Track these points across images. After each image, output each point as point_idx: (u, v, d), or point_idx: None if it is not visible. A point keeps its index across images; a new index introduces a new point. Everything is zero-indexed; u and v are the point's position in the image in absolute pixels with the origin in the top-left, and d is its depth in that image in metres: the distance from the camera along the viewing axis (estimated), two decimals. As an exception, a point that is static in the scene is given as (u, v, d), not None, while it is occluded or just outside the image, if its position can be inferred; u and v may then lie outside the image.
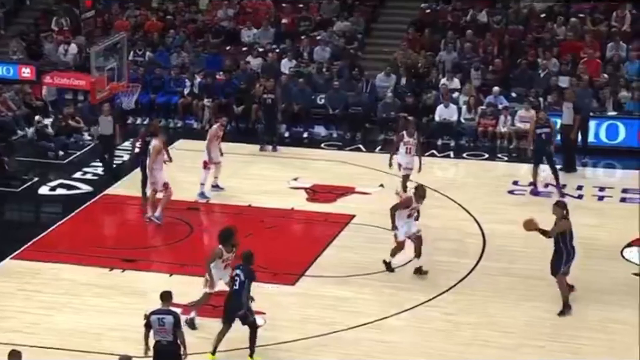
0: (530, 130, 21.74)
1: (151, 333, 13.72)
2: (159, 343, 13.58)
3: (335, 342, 15.64)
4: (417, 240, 17.36)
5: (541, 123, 21.44)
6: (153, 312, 13.71)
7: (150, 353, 13.72)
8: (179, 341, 13.56)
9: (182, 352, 13.56)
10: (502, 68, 26.70)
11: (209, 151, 20.98)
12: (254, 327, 14.95)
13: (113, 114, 22.65)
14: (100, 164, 22.72)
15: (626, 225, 19.80)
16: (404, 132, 20.44)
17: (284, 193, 21.52)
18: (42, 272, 17.82)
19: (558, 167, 21.75)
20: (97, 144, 22.87)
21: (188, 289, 16.69)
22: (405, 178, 20.21)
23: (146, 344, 13.73)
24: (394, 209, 17.23)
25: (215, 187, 21.29)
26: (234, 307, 14.86)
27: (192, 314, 15.97)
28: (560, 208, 16.24)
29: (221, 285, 15.68)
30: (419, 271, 17.49)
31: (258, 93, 25.27)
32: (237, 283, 14.86)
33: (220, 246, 15.69)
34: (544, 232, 16.12)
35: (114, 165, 22.67)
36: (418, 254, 17.45)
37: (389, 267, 17.63)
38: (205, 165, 21.02)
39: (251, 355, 14.95)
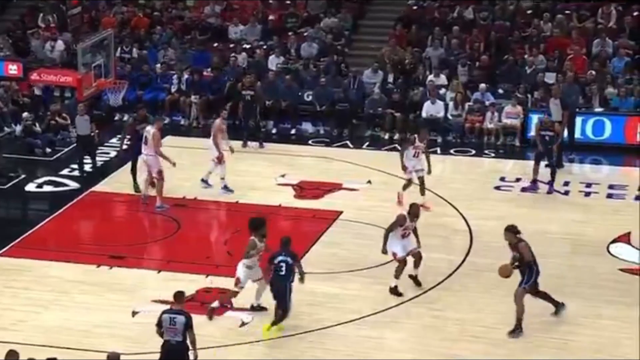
0: (536, 132, 21.85)
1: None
2: (167, 342, 13.56)
3: (323, 339, 15.67)
4: (417, 255, 17.07)
5: (546, 126, 21.58)
6: (165, 311, 13.72)
7: None
8: (188, 342, 13.52)
9: (191, 353, 13.53)
10: (489, 64, 26.75)
11: (217, 146, 20.98)
12: (286, 313, 15.45)
13: (90, 113, 22.60)
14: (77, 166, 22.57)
15: (612, 221, 19.89)
16: (416, 136, 20.27)
17: (272, 189, 21.53)
18: (29, 269, 17.79)
19: (544, 163, 21.81)
20: (76, 145, 22.72)
21: (176, 285, 16.65)
22: (409, 182, 20.10)
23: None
24: (388, 230, 16.85)
25: (205, 182, 21.27)
26: (283, 292, 15.40)
27: (215, 303, 16.16)
28: (512, 232, 15.80)
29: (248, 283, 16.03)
30: (414, 279, 17.29)
31: (238, 89, 25.23)
32: (283, 269, 15.36)
33: (253, 237, 15.85)
34: (519, 266, 15.66)
35: (97, 165, 22.56)
36: (416, 267, 17.19)
37: (396, 291, 17.00)
38: (220, 160, 21.04)
39: (272, 324, 15.44)
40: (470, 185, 22.05)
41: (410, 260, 17.02)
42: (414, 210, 16.95)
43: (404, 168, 20.16)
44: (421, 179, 20.11)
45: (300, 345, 15.48)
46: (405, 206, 18.35)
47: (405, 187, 20.16)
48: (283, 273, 15.40)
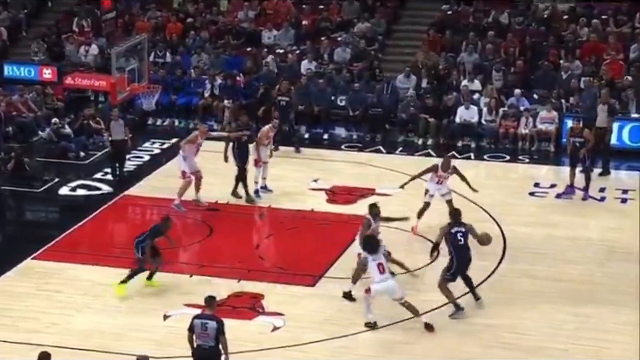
0: (567, 138, 21.85)
1: None
2: (200, 347, 13.53)
3: (355, 344, 15.58)
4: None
5: (575, 132, 21.42)
6: (197, 317, 13.70)
7: None
8: (220, 347, 13.49)
9: (223, 358, 13.50)
10: (524, 69, 26.58)
11: (257, 150, 21.03)
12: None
13: (123, 117, 22.70)
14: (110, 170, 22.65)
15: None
16: (439, 165, 19.46)
17: (304, 194, 21.49)
18: (62, 272, 17.84)
19: (597, 170, 21.55)
20: (110, 149, 22.77)
21: (207, 289, 16.66)
22: (426, 205, 19.63)
23: (192, 347, 13.66)
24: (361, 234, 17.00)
25: (264, 188, 21.26)
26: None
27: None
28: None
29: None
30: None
31: (274, 95, 25.28)
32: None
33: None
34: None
35: (125, 173, 22.61)
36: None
37: (349, 296, 16.88)
38: (257, 164, 21.06)
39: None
40: (504, 191, 21.89)
41: (427, 248, 17.26)
42: (375, 211, 17.20)
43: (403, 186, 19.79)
44: (449, 202, 19.32)
45: (333, 350, 15.40)
46: (417, 236, 18.58)
47: (420, 213, 19.43)
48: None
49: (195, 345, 13.58)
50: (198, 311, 14.77)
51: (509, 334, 15.84)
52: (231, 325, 15.27)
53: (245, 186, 20.94)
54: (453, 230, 16.42)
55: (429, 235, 18.48)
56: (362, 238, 16.66)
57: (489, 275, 17.75)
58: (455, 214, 16.79)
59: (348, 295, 16.89)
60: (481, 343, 15.60)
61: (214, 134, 21.40)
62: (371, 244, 16.03)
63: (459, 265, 16.27)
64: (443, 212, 18.41)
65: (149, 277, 17.15)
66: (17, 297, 16.93)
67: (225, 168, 21.06)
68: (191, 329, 13.57)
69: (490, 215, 20.30)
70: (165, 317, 16.22)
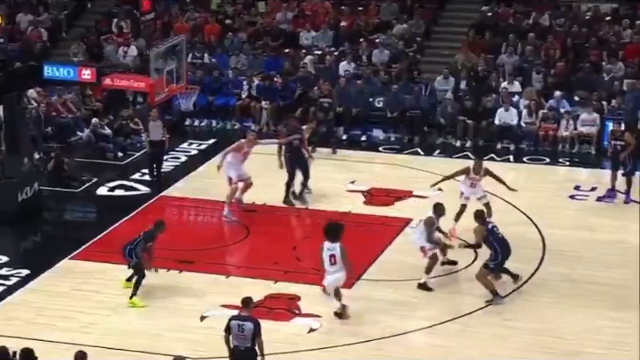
0: (609, 141, 21.76)
1: None
2: (236, 348, 13.52)
3: (391, 347, 15.49)
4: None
5: (617, 135, 21.27)
6: (233, 318, 13.70)
7: None
8: (257, 348, 13.47)
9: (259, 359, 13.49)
10: (565, 71, 26.34)
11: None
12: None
13: (162, 118, 22.73)
14: (148, 171, 22.68)
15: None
16: (471, 168, 19.33)
17: (341, 196, 21.42)
18: (100, 272, 17.90)
19: (639, 174, 21.41)
20: (147, 151, 22.78)
21: (244, 290, 16.65)
22: (463, 208, 19.38)
23: (229, 348, 13.66)
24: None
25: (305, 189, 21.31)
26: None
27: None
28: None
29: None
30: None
31: (315, 97, 25.23)
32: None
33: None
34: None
35: (162, 174, 22.62)
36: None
37: (425, 287, 17.21)
38: None
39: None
40: (544, 194, 21.70)
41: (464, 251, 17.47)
42: (439, 210, 17.41)
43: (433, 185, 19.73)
44: (486, 205, 19.19)
45: (369, 353, 15.32)
46: (456, 239, 18.41)
47: (457, 216, 19.19)
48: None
49: (231, 346, 13.54)
50: (235, 312, 14.75)
51: (548, 338, 15.68)
52: (267, 327, 15.25)
53: (288, 188, 20.86)
54: (490, 226, 16.74)
55: (466, 237, 18.32)
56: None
57: (529, 279, 17.59)
58: (481, 214, 17.09)
59: (424, 286, 17.04)
60: (519, 347, 15.45)
61: (263, 141, 21.30)
62: (334, 232, 15.94)
63: (503, 256, 16.62)
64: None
65: (129, 279, 17.03)
66: (55, 296, 17.01)
67: (263, 169, 21.03)
68: (228, 330, 13.55)
69: (530, 218, 20.14)
70: (202, 317, 16.23)
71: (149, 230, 16.96)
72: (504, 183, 19.32)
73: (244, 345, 13.45)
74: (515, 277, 17.21)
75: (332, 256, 15.85)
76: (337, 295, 16.17)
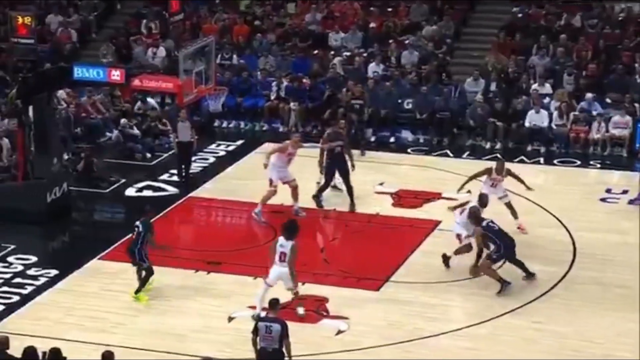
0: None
1: None
2: (263, 350, 13.49)
3: (419, 349, 15.39)
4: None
5: None
6: (261, 319, 13.73)
7: None
8: (284, 350, 13.44)
9: None
10: (597, 73, 26.11)
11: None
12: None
13: (191, 119, 22.71)
14: (176, 172, 22.66)
15: None
16: (493, 169, 19.34)
17: (370, 198, 21.32)
18: (127, 273, 17.81)
19: None
20: (176, 152, 22.77)
21: (271, 292, 16.59)
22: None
23: (256, 350, 13.63)
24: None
25: (334, 187, 21.22)
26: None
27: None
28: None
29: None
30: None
31: (346, 99, 25.14)
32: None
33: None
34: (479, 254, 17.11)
35: (191, 175, 22.61)
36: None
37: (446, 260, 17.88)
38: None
39: None
40: (574, 197, 21.51)
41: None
42: (483, 200, 17.75)
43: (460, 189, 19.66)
44: (508, 204, 19.25)
45: (397, 355, 15.23)
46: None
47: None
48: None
49: (258, 347, 13.51)
50: (262, 313, 14.74)
51: (577, 341, 15.55)
52: (295, 329, 15.19)
53: (320, 192, 20.79)
54: (485, 224, 16.96)
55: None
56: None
57: (559, 282, 17.46)
58: (475, 214, 17.23)
59: (445, 258, 17.74)
60: (548, 350, 15.32)
61: (307, 144, 21.18)
62: (290, 230, 15.99)
63: (506, 246, 16.84)
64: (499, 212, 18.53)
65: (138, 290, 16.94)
66: (83, 296, 17.04)
67: (293, 171, 20.97)
68: (255, 332, 13.52)
69: (560, 221, 19.98)
70: (230, 318, 16.21)
71: (145, 222, 16.77)
72: (523, 182, 19.37)
73: (272, 346, 13.41)
74: (530, 275, 17.18)
75: (282, 253, 15.85)
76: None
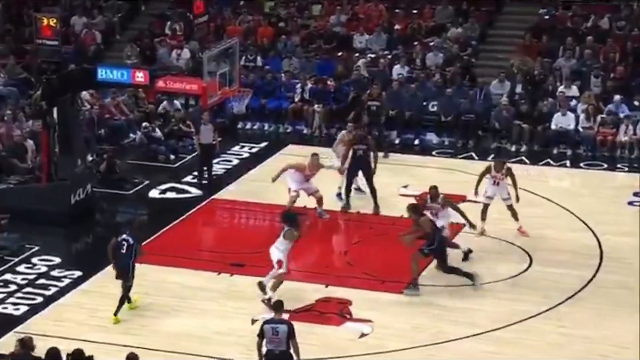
0: None
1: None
2: (271, 352, 13.46)
3: (443, 353, 15.28)
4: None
5: None
6: (266, 322, 13.64)
7: None
8: (292, 351, 13.39)
9: None
10: (624, 75, 25.87)
11: (337, 155, 21.10)
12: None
13: (214, 121, 22.65)
14: (197, 174, 22.58)
15: None
16: (492, 166, 19.36)
17: (394, 200, 21.17)
18: (150, 275, 17.83)
19: None
20: (198, 154, 22.73)
21: (295, 294, 16.55)
22: (485, 207, 19.32)
23: (260, 353, 13.60)
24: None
25: (357, 189, 21.12)
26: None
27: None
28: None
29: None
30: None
31: (364, 99, 25.06)
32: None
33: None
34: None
35: (214, 177, 22.54)
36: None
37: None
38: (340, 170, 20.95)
39: None
40: (601, 200, 21.30)
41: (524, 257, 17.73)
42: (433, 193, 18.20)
43: (475, 192, 19.55)
44: (509, 207, 19.13)
45: (420, 358, 15.10)
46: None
47: (483, 215, 19.26)
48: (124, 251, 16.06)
49: (265, 350, 13.47)
50: (286, 316, 14.63)
51: (603, 346, 15.40)
52: (318, 331, 15.19)
53: (347, 192, 20.70)
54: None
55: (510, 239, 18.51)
56: None
57: (585, 286, 17.30)
58: (415, 206, 17.60)
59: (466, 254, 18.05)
60: (574, 354, 15.17)
61: (327, 164, 20.73)
62: (287, 219, 16.96)
63: (439, 244, 16.99)
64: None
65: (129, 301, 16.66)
66: (106, 298, 16.96)
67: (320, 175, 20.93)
68: (261, 335, 13.49)
69: (586, 225, 19.80)
70: (253, 321, 16.06)
71: (133, 235, 16.33)
72: (516, 188, 19.09)
73: (279, 348, 13.37)
74: (471, 277, 17.09)
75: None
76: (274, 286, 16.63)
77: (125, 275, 16.23)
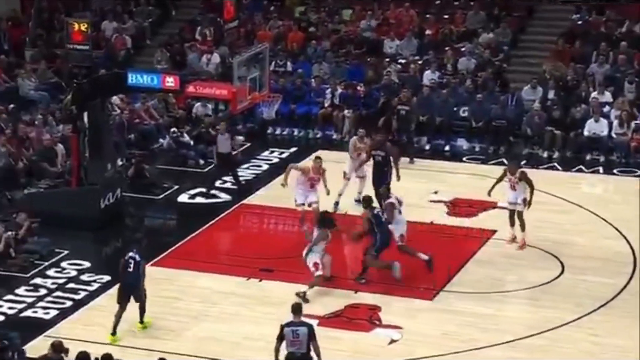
0: None
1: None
2: (292, 355, 13.43)
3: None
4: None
5: None
6: (286, 325, 13.64)
7: None
8: (312, 353, 13.32)
9: None
10: (660, 81, 25.60)
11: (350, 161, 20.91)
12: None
13: (231, 130, 22.74)
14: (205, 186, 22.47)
15: None
16: (506, 168, 19.24)
17: (424, 206, 21.05)
18: (179, 279, 17.85)
19: None
20: (215, 163, 22.63)
21: (323, 299, 16.45)
22: (511, 213, 18.99)
23: (276, 356, 13.57)
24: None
25: (358, 201, 20.90)
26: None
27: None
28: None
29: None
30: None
31: (394, 104, 24.92)
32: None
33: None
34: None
35: (242, 182, 22.51)
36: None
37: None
38: (345, 177, 20.87)
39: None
40: (634, 207, 20.98)
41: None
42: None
43: (488, 194, 19.34)
44: (518, 213, 18.74)
45: (450, 366, 15.01)
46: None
47: (511, 222, 18.97)
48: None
49: (286, 353, 13.46)
50: (315, 322, 14.59)
51: (636, 355, 15.19)
52: (347, 337, 15.08)
53: (379, 200, 20.49)
54: (375, 211, 17.61)
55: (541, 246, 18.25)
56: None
57: (618, 293, 17.10)
58: (367, 198, 17.97)
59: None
60: (607, 363, 14.99)
61: (327, 179, 20.12)
62: (322, 220, 17.36)
63: (382, 244, 17.31)
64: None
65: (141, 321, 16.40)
66: (135, 303, 16.91)
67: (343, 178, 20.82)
68: (280, 338, 13.49)
69: (619, 232, 19.56)
70: (282, 327, 16.01)
71: (139, 252, 16.05)
72: (532, 192, 18.70)
73: (300, 351, 13.38)
74: (389, 266, 17.38)
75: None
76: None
77: (136, 294, 15.98)
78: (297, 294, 16.55)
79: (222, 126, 22.45)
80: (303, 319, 15.68)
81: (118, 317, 15.79)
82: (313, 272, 16.90)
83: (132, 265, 15.81)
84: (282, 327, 13.61)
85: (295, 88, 26.91)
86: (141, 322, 16.19)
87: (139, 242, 17.18)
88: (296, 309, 13.85)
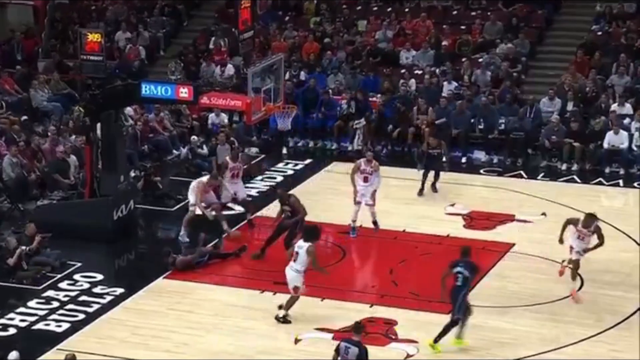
0: None
1: None
2: None
3: (494, 375, 14.90)
4: None
5: None
6: (344, 340, 13.76)
7: None
8: None
9: None
10: (681, 93, 25.31)
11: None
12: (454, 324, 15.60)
13: (230, 142, 22.50)
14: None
15: None
16: (580, 219, 17.27)
17: (440, 219, 20.82)
18: (193, 292, 17.69)
19: None
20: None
21: (339, 314, 16.22)
22: (576, 264, 17.58)
23: None
24: None
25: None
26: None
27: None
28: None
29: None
30: None
31: (411, 115, 24.64)
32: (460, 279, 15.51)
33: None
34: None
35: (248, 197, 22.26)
36: None
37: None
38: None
39: (435, 341, 15.43)
40: (655, 220, 20.73)
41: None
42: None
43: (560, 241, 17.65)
44: (575, 262, 17.30)
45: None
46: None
47: (573, 276, 17.35)
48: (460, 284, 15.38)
49: None
50: (329, 335, 14.30)
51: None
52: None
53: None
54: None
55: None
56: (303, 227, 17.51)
57: (639, 308, 16.79)
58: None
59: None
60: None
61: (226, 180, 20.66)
62: (308, 232, 16.72)
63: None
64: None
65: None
66: (148, 315, 16.84)
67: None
68: (337, 351, 13.59)
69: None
70: (297, 340, 15.87)
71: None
72: (599, 246, 17.27)
73: None
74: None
75: (296, 252, 16.38)
76: (288, 303, 16.39)
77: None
78: (277, 319, 16.36)
79: (221, 137, 22.27)
80: (318, 332, 15.65)
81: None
82: (291, 295, 16.52)
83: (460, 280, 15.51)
84: (340, 341, 13.75)
85: (311, 99, 26.65)
86: (458, 337, 15.73)
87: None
88: (356, 329, 13.89)
